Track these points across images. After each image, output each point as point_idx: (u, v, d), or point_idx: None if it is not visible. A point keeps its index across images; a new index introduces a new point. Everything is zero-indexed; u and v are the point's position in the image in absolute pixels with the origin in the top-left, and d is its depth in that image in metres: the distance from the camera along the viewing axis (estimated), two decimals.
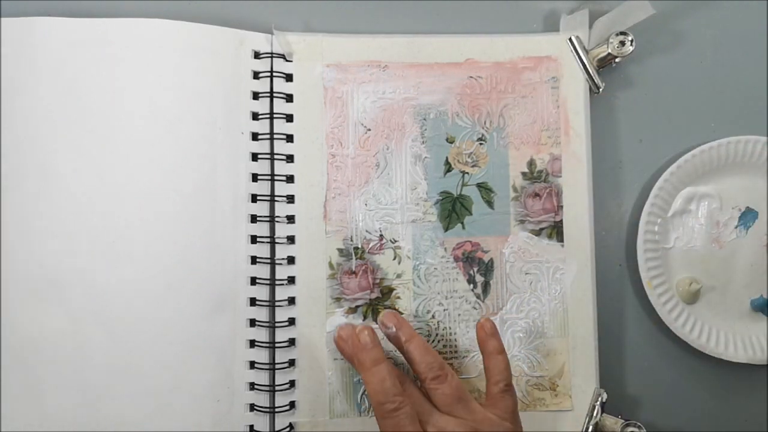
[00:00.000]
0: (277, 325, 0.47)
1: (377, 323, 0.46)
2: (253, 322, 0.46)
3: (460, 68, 0.48)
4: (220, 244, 0.46)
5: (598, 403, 0.47)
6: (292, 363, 0.47)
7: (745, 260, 0.49)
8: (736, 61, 0.51)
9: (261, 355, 0.46)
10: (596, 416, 0.47)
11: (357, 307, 0.47)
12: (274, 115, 0.47)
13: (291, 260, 0.47)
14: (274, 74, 0.47)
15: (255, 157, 0.47)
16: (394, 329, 0.44)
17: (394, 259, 0.47)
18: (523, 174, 0.48)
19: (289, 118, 0.47)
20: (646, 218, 0.48)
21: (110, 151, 0.45)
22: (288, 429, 0.46)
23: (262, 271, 0.47)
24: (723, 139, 0.49)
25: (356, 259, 0.47)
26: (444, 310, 0.47)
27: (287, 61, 0.48)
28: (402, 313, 0.47)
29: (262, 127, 0.47)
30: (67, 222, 0.44)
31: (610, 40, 0.47)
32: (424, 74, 0.48)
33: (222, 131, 0.46)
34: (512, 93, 0.48)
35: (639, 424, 0.46)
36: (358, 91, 0.48)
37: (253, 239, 0.47)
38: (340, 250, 0.47)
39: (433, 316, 0.47)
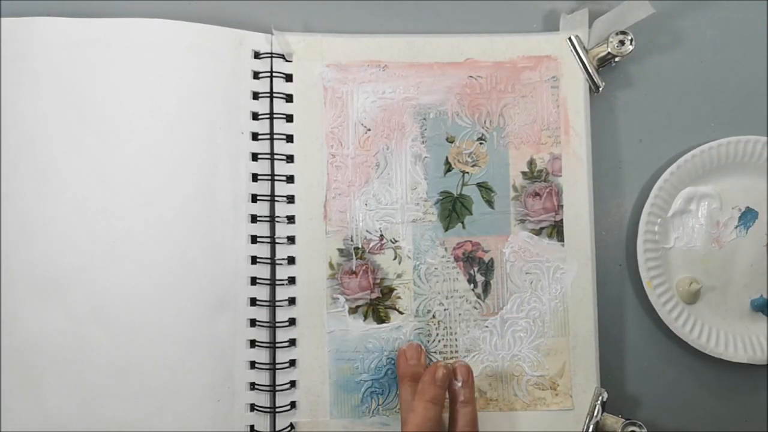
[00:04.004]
0: (277, 325, 0.46)
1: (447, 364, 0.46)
2: (253, 322, 0.46)
3: (460, 68, 0.48)
4: (221, 244, 0.46)
5: (599, 402, 0.47)
6: (292, 363, 0.47)
7: (745, 260, 0.49)
8: (736, 61, 0.51)
9: (261, 355, 0.46)
10: (597, 415, 0.47)
11: (358, 307, 0.47)
12: (274, 115, 0.47)
13: (291, 260, 0.47)
14: (274, 74, 0.47)
15: (255, 157, 0.47)
16: (460, 384, 0.44)
17: (395, 259, 0.47)
18: (524, 173, 0.48)
19: (289, 118, 0.47)
20: (646, 218, 0.48)
21: (110, 151, 0.45)
22: (289, 429, 0.46)
23: (263, 271, 0.47)
24: (723, 139, 0.49)
25: (357, 259, 0.47)
26: (444, 309, 0.47)
27: (287, 61, 0.48)
28: (402, 313, 0.47)
29: (262, 127, 0.47)
30: (67, 222, 0.44)
31: (610, 40, 0.47)
32: (424, 74, 0.48)
33: (222, 131, 0.46)
34: (512, 92, 0.48)
35: (640, 423, 0.46)
36: (358, 91, 0.48)
37: (254, 239, 0.47)
38: (341, 250, 0.47)
39: (434, 316, 0.47)
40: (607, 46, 0.47)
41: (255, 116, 0.47)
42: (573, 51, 0.48)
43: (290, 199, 0.47)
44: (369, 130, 0.48)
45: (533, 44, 0.48)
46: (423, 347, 0.47)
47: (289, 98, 0.47)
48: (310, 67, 0.48)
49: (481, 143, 0.48)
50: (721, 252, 0.49)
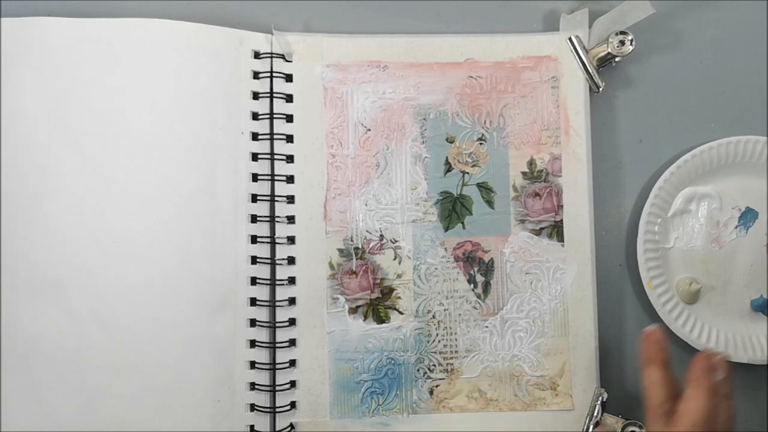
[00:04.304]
0: (277, 325, 0.46)
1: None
2: (253, 322, 0.46)
3: (460, 68, 0.48)
4: (221, 244, 0.46)
5: (599, 402, 0.47)
6: (292, 363, 0.47)
7: (745, 260, 0.49)
8: (736, 61, 0.51)
9: (261, 355, 0.46)
10: (597, 416, 0.47)
11: (358, 307, 0.47)
12: (274, 116, 0.47)
13: (291, 260, 0.47)
14: (274, 74, 0.47)
15: (255, 157, 0.47)
16: (722, 378, 0.41)
17: (395, 259, 0.47)
18: (524, 174, 0.48)
19: (289, 118, 0.47)
20: (646, 218, 0.48)
21: (110, 151, 0.45)
22: (289, 429, 0.46)
23: (263, 271, 0.47)
24: (723, 139, 0.49)
25: (357, 259, 0.47)
26: (444, 310, 0.47)
27: (287, 61, 0.48)
28: (402, 313, 0.47)
29: (262, 127, 0.47)
30: (67, 222, 0.44)
31: (610, 40, 0.47)
32: (424, 74, 0.48)
33: (222, 131, 0.46)
34: (512, 93, 0.48)
35: (639, 423, 0.46)
36: (358, 91, 0.48)
37: (254, 239, 0.47)
38: (341, 251, 0.47)
39: (434, 316, 0.47)
40: (607, 46, 0.47)
41: (255, 116, 0.47)
42: (573, 51, 0.48)
43: (290, 199, 0.47)
44: (369, 130, 0.48)
45: (533, 44, 0.48)
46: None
47: (289, 98, 0.47)
48: (310, 67, 0.48)
49: (481, 143, 0.48)
50: (721, 252, 0.49)
